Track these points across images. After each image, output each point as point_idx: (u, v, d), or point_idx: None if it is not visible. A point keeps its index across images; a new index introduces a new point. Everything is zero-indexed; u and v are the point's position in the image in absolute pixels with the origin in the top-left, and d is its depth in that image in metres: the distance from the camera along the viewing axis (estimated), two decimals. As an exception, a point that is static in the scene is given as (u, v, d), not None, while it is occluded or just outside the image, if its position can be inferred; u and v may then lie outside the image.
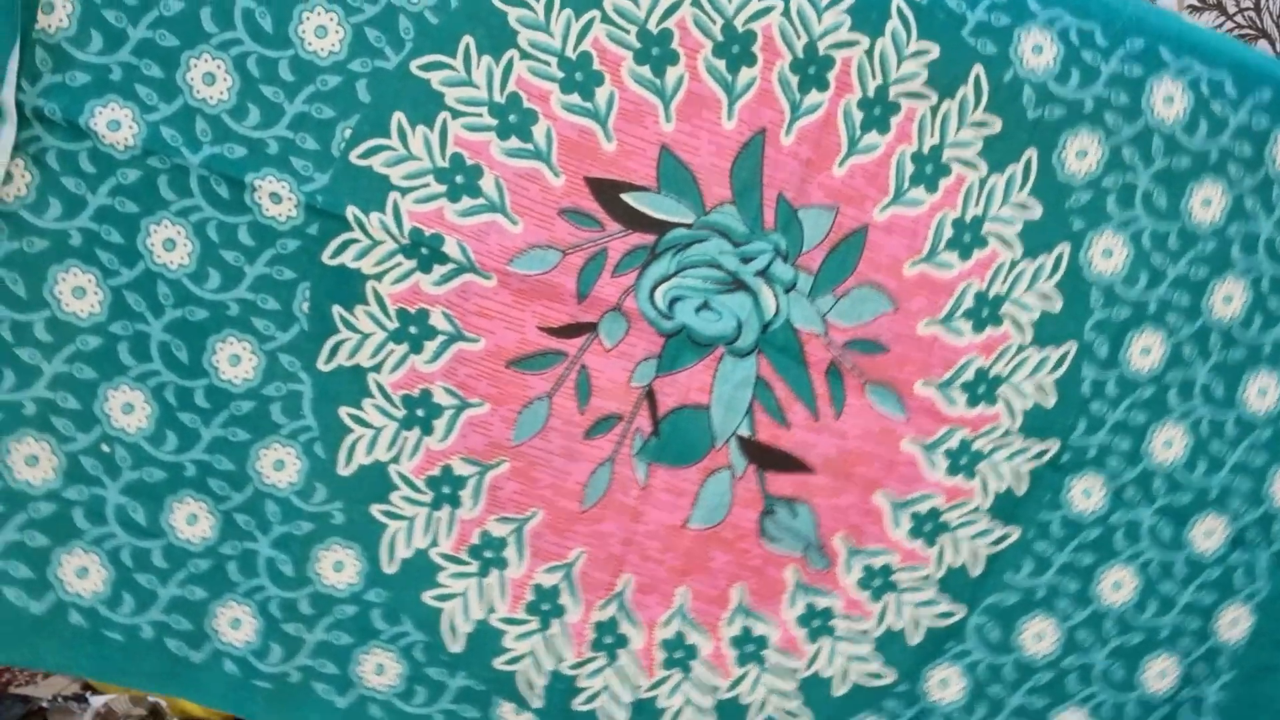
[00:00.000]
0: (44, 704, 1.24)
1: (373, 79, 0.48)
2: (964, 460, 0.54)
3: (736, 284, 0.52)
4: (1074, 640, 0.56)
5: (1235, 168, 0.53)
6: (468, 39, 0.48)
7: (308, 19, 0.47)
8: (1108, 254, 0.53)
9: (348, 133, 0.48)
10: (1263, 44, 1.25)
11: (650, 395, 0.52)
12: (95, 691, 1.34)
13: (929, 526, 0.55)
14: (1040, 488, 0.55)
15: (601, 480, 0.52)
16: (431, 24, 0.48)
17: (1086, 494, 0.55)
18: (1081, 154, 0.52)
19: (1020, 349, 0.54)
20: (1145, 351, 0.54)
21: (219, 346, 0.49)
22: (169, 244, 0.48)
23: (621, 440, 0.52)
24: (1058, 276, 0.53)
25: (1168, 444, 0.55)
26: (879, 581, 0.55)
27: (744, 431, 0.53)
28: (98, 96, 0.46)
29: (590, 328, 0.51)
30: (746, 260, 0.52)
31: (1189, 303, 0.54)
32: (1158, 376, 0.54)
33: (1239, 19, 1.25)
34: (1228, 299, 0.54)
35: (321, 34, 0.47)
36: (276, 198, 0.48)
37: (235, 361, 0.49)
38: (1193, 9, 1.28)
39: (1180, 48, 0.52)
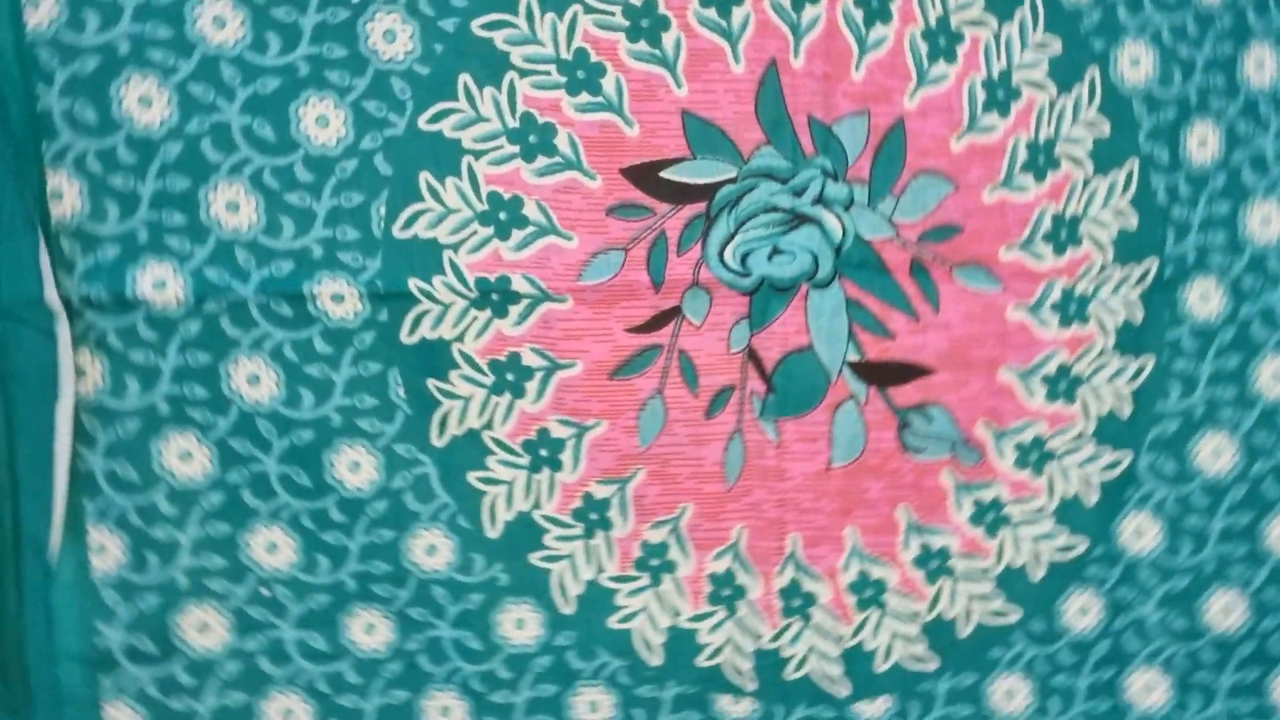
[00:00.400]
0: None
1: (387, 149, 0.47)
2: (1072, 309, 0.53)
3: (797, 219, 0.51)
4: (1252, 446, 0.55)
5: None
6: (464, 78, 0.47)
7: (305, 114, 0.46)
8: (1135, 62, 0.52)
9: (382, 210, 0.47)
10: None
11: (753, 355, 0.51)
12: None
13: (1063, 385, 0.53)
14: (1156, 309, 0.53)
15: (736, 453, 0.52)
16: (423, 75, 0.47)
17: (1204, 298, 0.54)
18: None
19: (1085, 183, 0.52)
20: (1201, 143, 0.53)
21: (335, 459, 0.48)
22: (253, 380, 0.47)
23: (742, 408, 0.51)
24: (1096, 103, 0.52)
25: (1265, 221, 0.54)
26: (1035, 455, 0.54)
27: (853, 356, 0.52)
28: (133, 262, 0.46)
29: (675, 312, 0.50)
30: (799, 193, 0.51)
31: (1224, 82, 0.53)
32: (1223, 162, 0.53)
33: None
34: (1259, 65, 0.53)
35: (323, 124, 0.46)
36: (338, 298, 0.47)
37: (355, 468, 0.49)
38: None
39: None
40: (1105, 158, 0.53)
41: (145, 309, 0.46)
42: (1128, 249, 0.53)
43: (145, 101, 0.45)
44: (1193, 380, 0.54)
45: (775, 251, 0.51)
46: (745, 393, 0.51)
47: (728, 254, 0.50)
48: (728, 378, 0.51)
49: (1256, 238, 0.54)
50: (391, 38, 0.47)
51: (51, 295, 0.45)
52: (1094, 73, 0.52)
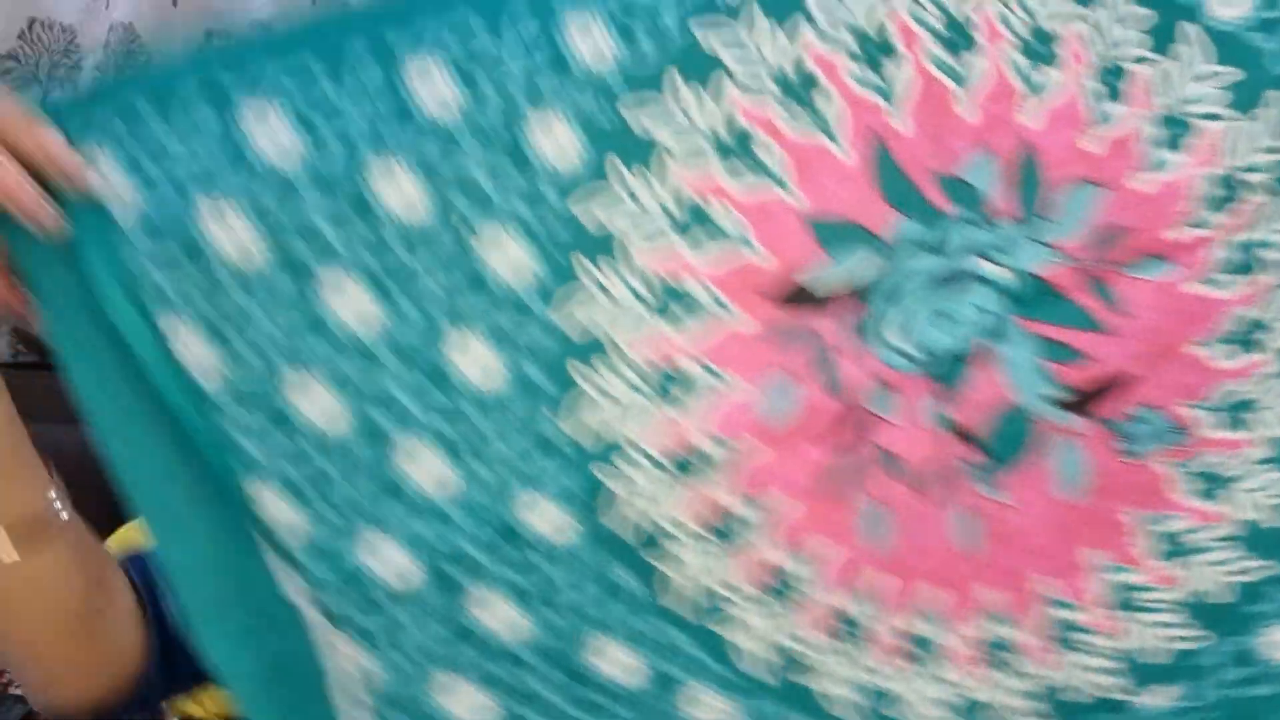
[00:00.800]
0: None
1: None
2: (1240, 257, 0.50)
3: (955, 279, 0.49)
4: None
5: None
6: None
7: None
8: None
9: None
10: None
11: (955, 428, 0.50)
12: None
13: (1253, 335, 0.51)
14: None
15: (965, 524, 0.51)
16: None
17: None
18: None
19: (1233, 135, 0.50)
20: None
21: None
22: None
23: (959, 484, 0.51)
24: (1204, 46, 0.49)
25: None
26: (1238, 411, 0.52)
27: (1051, 392, 0.50)
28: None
29: (864, 416, 0.49)
30: (949, 254, 0.49)
31: None
32: None
33: None
34: None
35: None
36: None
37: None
38: None
39: None
40: (1244, 100, 0.50)
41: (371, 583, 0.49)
42: None
43: (316, 400, 0.47)
44: None
45: (941, 317, 0.49)
46: (961, 468, 0.51)
47: (896, 340, 0.49)
48: (939, 460, 0.50)
49: None
50: None
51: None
52: (1186, 27, 0.49)
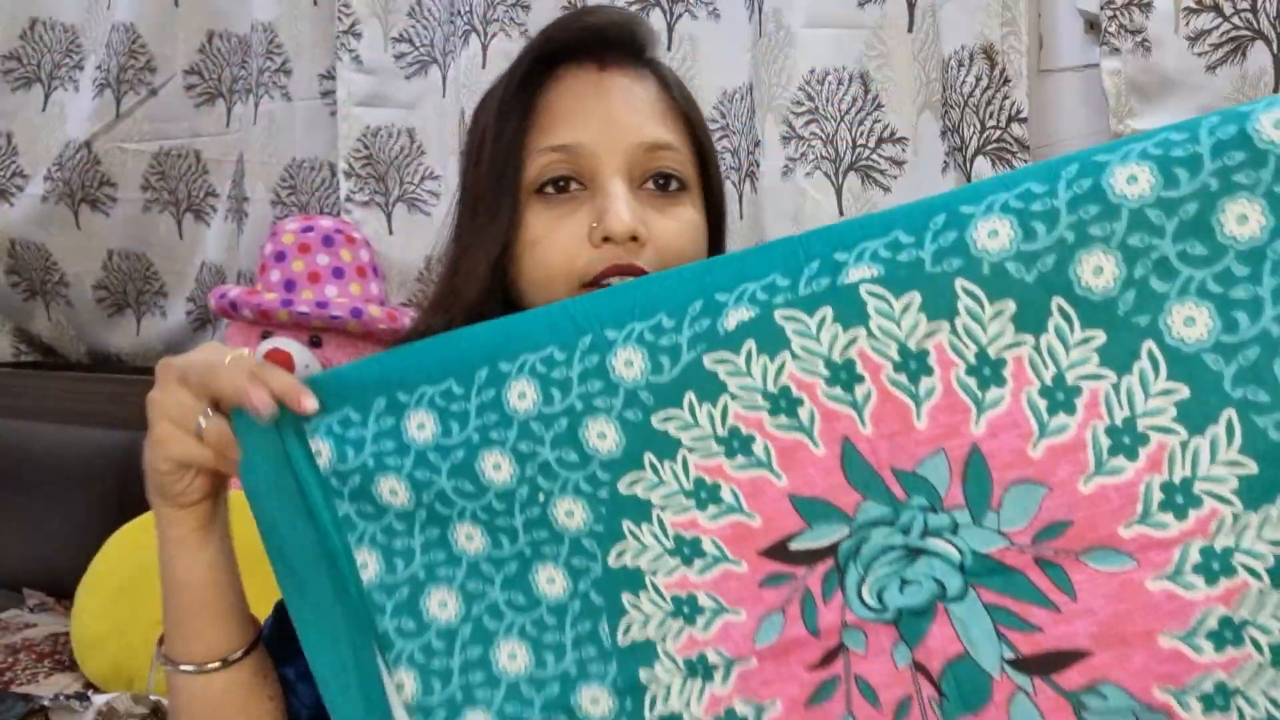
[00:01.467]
0: (45, 702, 1.26)
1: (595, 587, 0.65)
2: (1215, 565, 0.56)
3: (915, 552, 0.61)
4: None
5: None
6: (628, 523, 0.63)
7: (540, 577, 0.66)
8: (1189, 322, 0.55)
9: (605, 628, 0.65)
10: (1259, 45, 1.05)
11: (919, 667, 0.61)
12: (97, 690, 1.36)
13: (1229, 633, 0.56)
14: None
15: None
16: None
17: None
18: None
19: (1184, 445, 0.56)
20: None
21: None
22: None
23: (926, 712, 0.62)
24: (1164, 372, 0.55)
25: None
26: (1220, 699, 0.56)
27: (1008, 655, 0.60)
28: (458, 717, 0.67)
29: (840, 648, 0.63)
30: (906, 531, 0.60)
31: None
32: None
33: (1235, 20, 1.16)
34: None
35: (552, 584, 0.66)
36: (595, 701, 0.66)
37: None
38: (1189, 11, 1.11)
39: None
40: (1195, 418, 0.55)
41: None
42: (1255, 493, 0.55)
43: (443, 605, 0.67)
44: None
45: (904, 583, 0.61)
46: (924, 699, 0.62)
47: (865, 595, 0.62)
48: (904, 691, 0.62)
49: None
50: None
51: None
52: (1150, 345, 0.54)
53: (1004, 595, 0.59)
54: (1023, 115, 1.38)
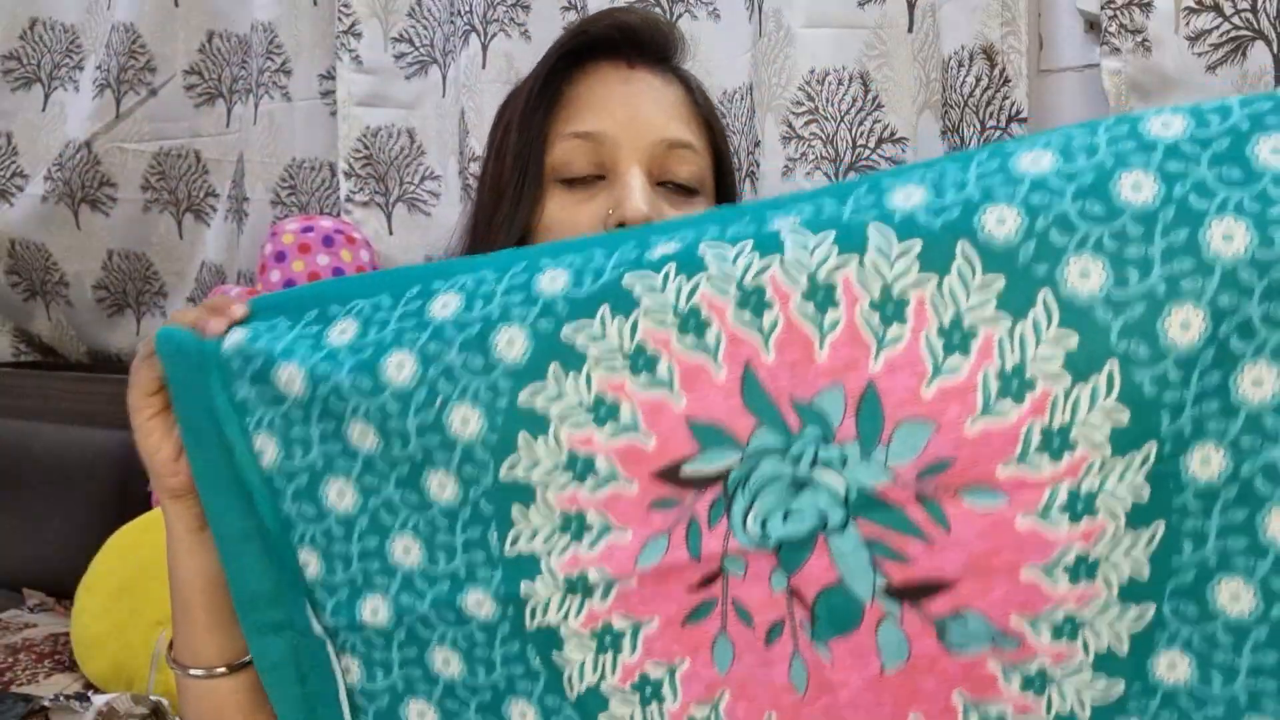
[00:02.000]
0: (45, 702, 1.23)
1: (487, 496, 0.65)
2: (1080, 506, 0.57)
3: (801, 483, 0.61)
4: (1269, 591, 0.55)
5: None
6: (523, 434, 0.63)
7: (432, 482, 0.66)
8: (1085, 274, 0.56)
9: (494, 536, 0.65)
10: (1259, 45, 1.05)
11: (794, 593, 0.62)
12: (97, 690, 1.33)
13: (1084, 569, 0.57)
14: (1161, 482, 0.56)
15: (800, 669, 0.62)
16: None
17: (1204, 462, 0.55)
18: None
19: (1066, 394, 0.56)
20: (1184, 326, 0.54)
21: (511, 712, 0.67)
22: (446, 662, 0.69)
23: (796, 634, 0.62)
24: (1055, 321, 0.56)
25: (1257, 382, 0.55)
26: (1069, 628, 0.58)
27: (881, 583, 0.60)
28: (359, 598, 0.69)
29: (720, 572, 0.63)
30: (796, 462, 0.61)
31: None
32: (1210, 338, 0.54)
33: (1235, 20, 1.16)
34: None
35: (444, 488, 0.66)
36: (479, 604, 0.66)
37: (524, 717, 0.67)
38: (1190, 10, 1.12)
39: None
40: (1080, 366, 0.56)
41: (370, 629, 0.69)
42: (1124, 441, 0.56)
43: (340, 494, 0.67)
44: (1203, 535, 0.56)
45: (788, 514, 0.61)
46: (795, 622, 0.62)
47: (749, 524, 0.62)
48: (777, 614, 0.62)
49: (1250, 399, 0.55)
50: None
51: (318, 628, 0.70)
52: (1046, 293, 0.56)
53: (883, 528, 0.59)
54: (1023, 115, 1.38)
